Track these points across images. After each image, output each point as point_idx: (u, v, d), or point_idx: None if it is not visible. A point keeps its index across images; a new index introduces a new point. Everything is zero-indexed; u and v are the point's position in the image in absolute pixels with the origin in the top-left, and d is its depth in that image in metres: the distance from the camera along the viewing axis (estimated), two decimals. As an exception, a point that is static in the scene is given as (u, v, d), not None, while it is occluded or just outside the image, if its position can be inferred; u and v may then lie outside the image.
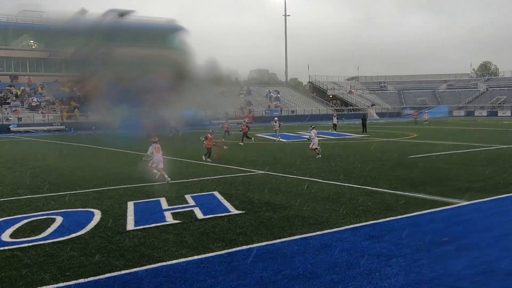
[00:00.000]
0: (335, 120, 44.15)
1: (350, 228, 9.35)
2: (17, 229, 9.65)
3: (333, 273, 6.90)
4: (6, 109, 61.11)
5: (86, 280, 6.83)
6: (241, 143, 29.44)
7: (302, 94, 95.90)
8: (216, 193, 13.22)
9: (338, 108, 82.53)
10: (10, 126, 55.80)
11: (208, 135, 21.18)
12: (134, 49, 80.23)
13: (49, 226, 9.80)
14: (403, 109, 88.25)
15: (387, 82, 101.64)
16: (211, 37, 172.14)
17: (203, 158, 21.08)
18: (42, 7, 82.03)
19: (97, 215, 10.76)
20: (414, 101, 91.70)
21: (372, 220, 9.91)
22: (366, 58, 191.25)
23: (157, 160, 15.51)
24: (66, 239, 8.88)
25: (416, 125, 50.75)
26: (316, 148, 21.87)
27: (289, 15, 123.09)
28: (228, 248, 8.16)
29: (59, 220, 10.35)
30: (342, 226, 9.44)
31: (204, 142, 21.21)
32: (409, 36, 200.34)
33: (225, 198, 12.46)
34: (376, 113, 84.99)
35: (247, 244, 8.38)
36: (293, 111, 78.64)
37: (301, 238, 8.70)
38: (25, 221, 10.28)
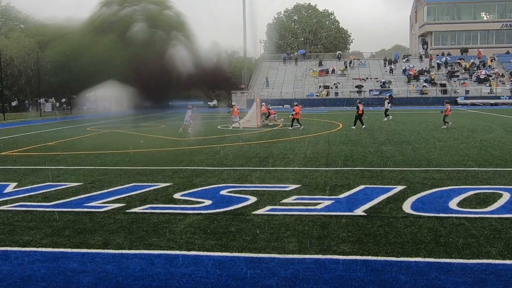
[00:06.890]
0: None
1: None
2: (464, 199, 9.97)
3: None
4: (455, 81, 63.16)
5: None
6: None
7: None
8: None
9: None
10: (457, 99, 57.53)
11: None
12: None
13: (495, 201, 9.71)
14: None
15: None
16: None
17: None
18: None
19: (550, 198, 9.92)
20: None
21: None
22: None
23: None
24: (513, 217, 8.61)
25: None
26: None
27: None
28: None
29: (506, 196, 10.10)
30: None
31: None
32: None
33: None
34: None
35: None
36: None
37: None
38: (472, 192, 10.51)
